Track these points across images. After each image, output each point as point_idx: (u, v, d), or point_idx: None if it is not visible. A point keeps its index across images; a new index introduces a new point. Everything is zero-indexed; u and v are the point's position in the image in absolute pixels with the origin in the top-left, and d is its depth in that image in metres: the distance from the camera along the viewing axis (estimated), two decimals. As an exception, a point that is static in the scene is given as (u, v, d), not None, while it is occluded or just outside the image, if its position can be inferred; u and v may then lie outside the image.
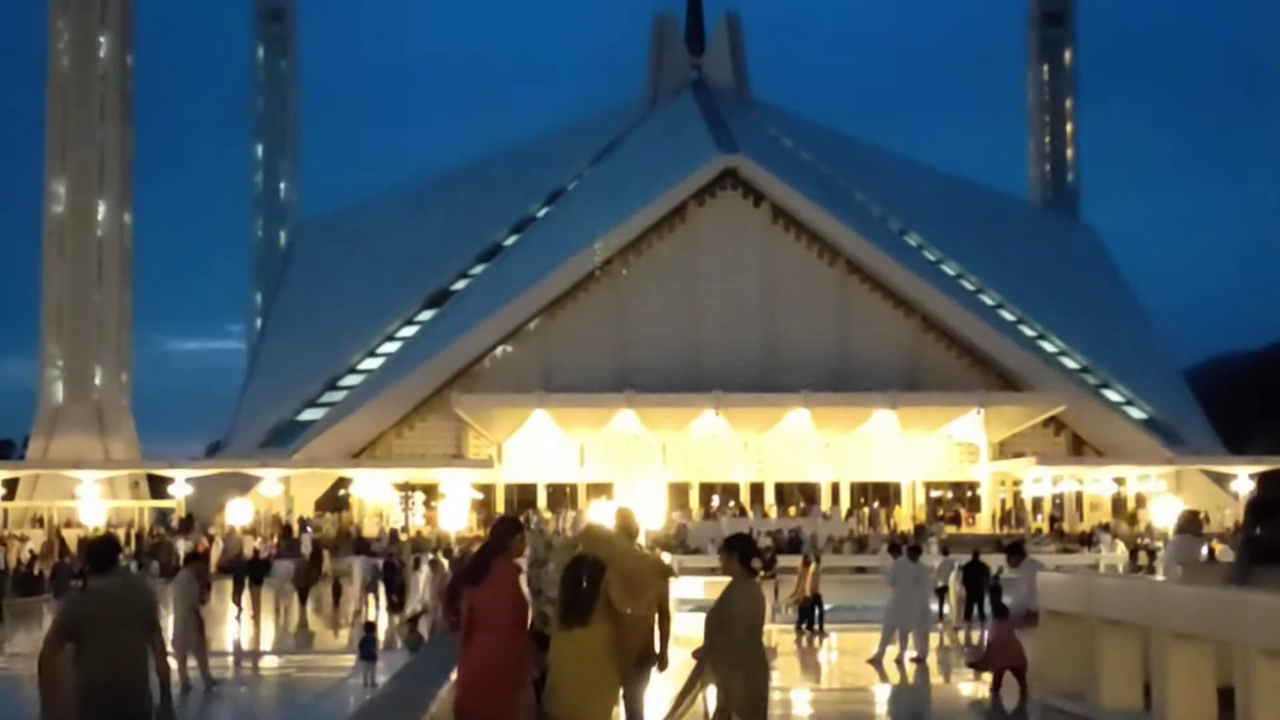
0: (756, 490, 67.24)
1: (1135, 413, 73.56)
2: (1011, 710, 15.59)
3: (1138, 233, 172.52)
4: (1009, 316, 76.99)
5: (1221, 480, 67.07)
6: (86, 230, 72.73)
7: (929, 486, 69.93)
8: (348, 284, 76.29)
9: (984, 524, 65.98)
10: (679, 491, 66.13)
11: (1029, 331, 76.44)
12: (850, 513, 64.43)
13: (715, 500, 67.37)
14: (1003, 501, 69.67)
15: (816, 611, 26.00)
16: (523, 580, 9.91)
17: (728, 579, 9.70)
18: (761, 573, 10.60)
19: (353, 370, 74.74)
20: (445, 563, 26.82)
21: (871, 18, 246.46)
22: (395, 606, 31.08)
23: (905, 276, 71.42)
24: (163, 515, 67.64)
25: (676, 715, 9.91)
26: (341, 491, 68.35)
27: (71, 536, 54.63)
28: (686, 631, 13.29)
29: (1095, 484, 67.90)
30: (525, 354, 71.43)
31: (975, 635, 24.94)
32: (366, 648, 19.78)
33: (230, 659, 23.83)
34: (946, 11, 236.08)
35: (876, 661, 21.33)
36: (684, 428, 64.93)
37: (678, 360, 68.67)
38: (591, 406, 64.37)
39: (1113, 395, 74.38)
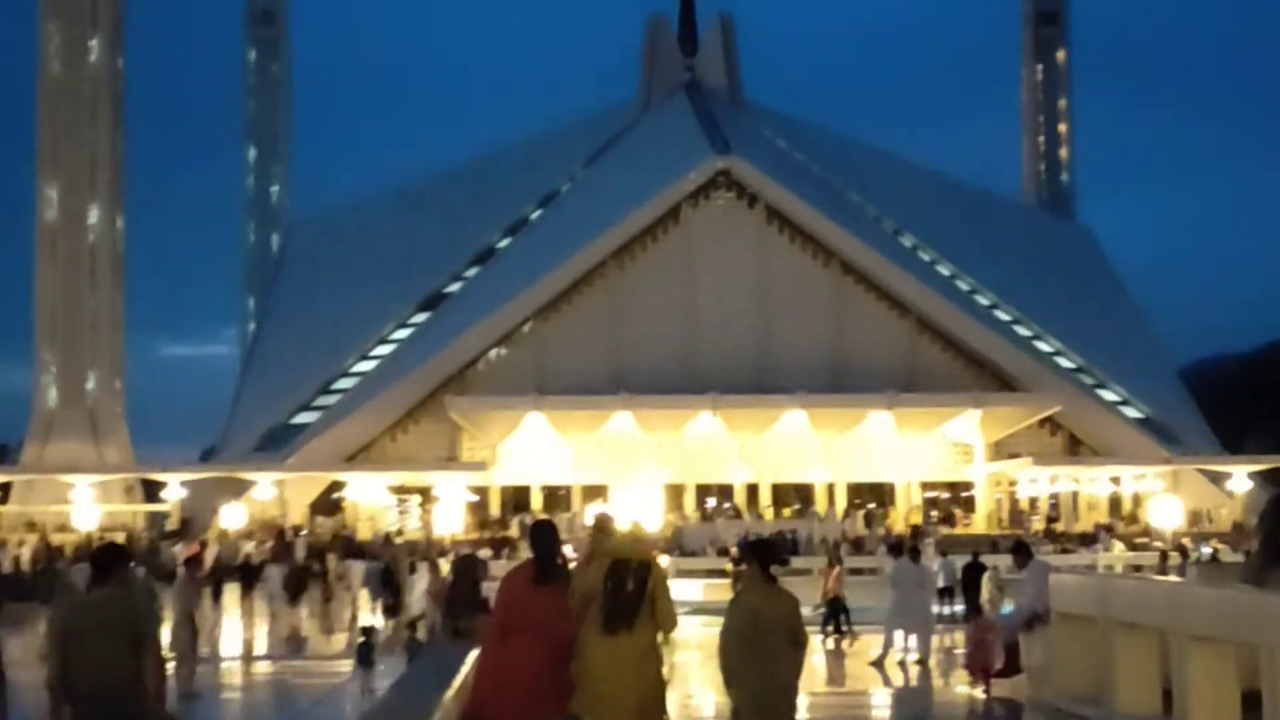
0: (752, 491, 67.04)
1: (1131, 412, 73.42)
2: (1004, 713, 15.45)
3: (1132, 232, 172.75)
4: (1004, 317, 76.87)
5: (1218, 479, 66.96)
6: (79, 234, 72.45)
7: (925, 487, 69.76)
8: (341, 287, 76.05)
9: (980, 525, 65.88)
10: (675, 493, 65.91)
11: (1024, 332, 76.32)
12: (846, 514, 64.19)
13: (711, 502, 67.14)
14: (999, 502, 69.52)
15: (843, 614, 25.79)
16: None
17: (728, 582, 9.59)
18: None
19: (346, 374, 74.49)
20: (444, 566, 26.56)
21: (865, 18, 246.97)
22: (391, 611, 30.82)
23: (900, 277, 71.29)
24: (156, 519, 67.28)
25: None
26: (334, 495, 68.09)
27: (64, 541, 54.27)
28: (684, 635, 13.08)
29: (1092, 484, 67.76)
30: (519, 356, 71.22)
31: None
32: (364, 653, 19.59)
33: (223, 665, 23.58)
34: (940, 12, 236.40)
35: (879, 663, 21.22)
36: (679, 429, 64.72)
37: (673, 362, 68.48)
38: (586, 409, 64.14)
39: (1109, 395, 74.25)
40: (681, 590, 26.26)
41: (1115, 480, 67.67)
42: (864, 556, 49.13)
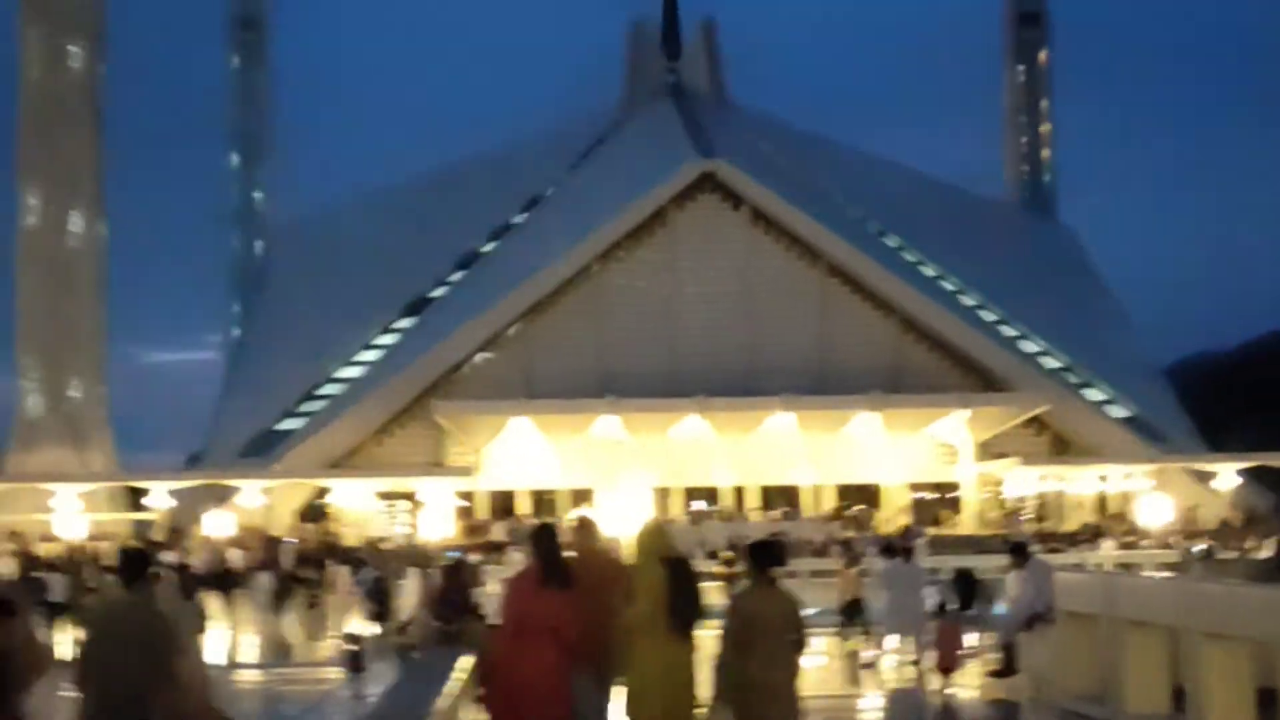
0: (739, 494, 66.93)
1: (1117, 411, 73.49)
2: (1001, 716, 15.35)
3: (1115, 232, 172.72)
4: (989, 317, 76.88)
5: (1203, 478, 67.06)
6: (59, 242, 71.97)
7: (912, 488, 69.71)
8: (326, 292, 75.75)
9: (967, 525, 65.87)
10: (662, 496, 65.74)
11: (1010, 332, 76.34)
12: (836, 515, 64.06)
13: (697, 504, 67.00)
14: (986, 502, 69.45)
15: (861, 615, 25.52)
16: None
17: (719, 585, 9.47)
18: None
19: (331, 379, 74.19)
20: (436, 571, 26.35)
21: (847, 20, 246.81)
22: (379, 616, 30.59)
23: (885, 278, 71.31)
24: (141, 528, 66.84)
25: None
26: (318, 501, 67.75)
27: (47, 551, 53.81)
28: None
29: (1079, 483, 67.80)
30: (505, 360, 71.04)
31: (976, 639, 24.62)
32: (355, 659, 19.40)
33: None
34: (922, 13, 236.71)
35: (872, 665, 21.11)
36: (666, 432, 64.61)
37: (659, 364, 68.44)
38: (573, 412, 64.03)
39: (1094, 394, 74.33)
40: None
41: (1103, 479, 67.70)
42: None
